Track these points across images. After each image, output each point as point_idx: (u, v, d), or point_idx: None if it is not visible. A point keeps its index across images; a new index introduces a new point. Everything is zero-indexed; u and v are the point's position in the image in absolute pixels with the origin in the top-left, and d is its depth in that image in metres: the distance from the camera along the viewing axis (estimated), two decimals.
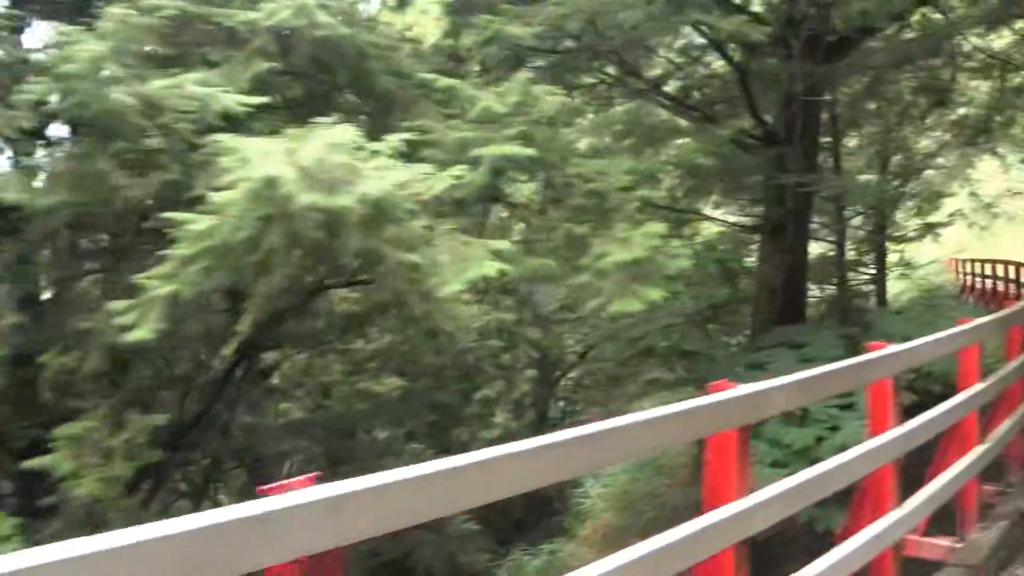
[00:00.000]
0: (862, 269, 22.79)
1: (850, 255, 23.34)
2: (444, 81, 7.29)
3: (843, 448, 6.01)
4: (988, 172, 38.93)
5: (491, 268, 5.23)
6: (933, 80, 15.93)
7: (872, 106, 19.89)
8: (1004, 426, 6.22)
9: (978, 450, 5.35)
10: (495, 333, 18.00)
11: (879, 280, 22.12)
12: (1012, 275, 20.13)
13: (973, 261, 25.01)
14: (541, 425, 19.70)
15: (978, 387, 5.26)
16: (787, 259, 11.09)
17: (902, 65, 12.34)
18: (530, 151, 6.13)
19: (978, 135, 16.11)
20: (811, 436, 6.58)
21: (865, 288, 22.23)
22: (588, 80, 11.99)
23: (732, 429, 2.87)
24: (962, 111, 17.18)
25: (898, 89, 17.84)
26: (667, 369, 9.71)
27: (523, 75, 7.42)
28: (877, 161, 20.96)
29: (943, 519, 5.75)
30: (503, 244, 5.70)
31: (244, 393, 12.43)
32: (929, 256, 35.91)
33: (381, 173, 5.14)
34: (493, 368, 15.69)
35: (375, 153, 5.50)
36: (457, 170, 5.79)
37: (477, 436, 17.27)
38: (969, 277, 25.11)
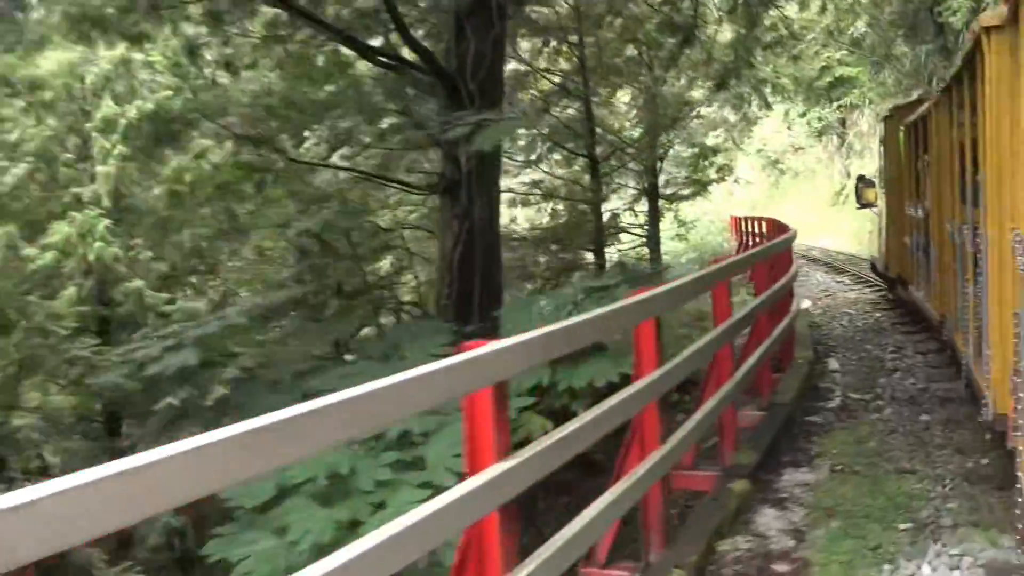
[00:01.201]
0: (638, 231, 21.29)
1: (627, 217, 21.74)
2: None
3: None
4: (774, 128, 39.30)
5: None
6: (676, 15, 14.12)
7: (632, 51, 18.08)
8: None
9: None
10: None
11: (653, 242, 20.62)
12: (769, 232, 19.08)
13: (748, 219, 24.14)
14: None
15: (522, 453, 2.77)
16: (464, 227, 8.58)
17: None
18: None
19: (727, 77, 14.41)
20: (330, 524, 4.02)
21: (639, 250, 20.73)
22: None
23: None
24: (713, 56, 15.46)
25: (647, 30, 15.97)
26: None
27: None
28: (647, 115, 19.20)
29: None
30: None
31: None
32: (717, 214, 35.68)
33: None
34: None
35: None
36: None
37: None
38: (746, 236, 24.24)
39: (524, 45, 17.36)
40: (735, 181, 22.53)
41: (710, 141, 21.27)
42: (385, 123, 9.48)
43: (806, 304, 14.21)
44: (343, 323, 8.28)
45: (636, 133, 19.88)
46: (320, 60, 9.62)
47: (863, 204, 12.92)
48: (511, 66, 16.83)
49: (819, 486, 5.42)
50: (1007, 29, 4.33)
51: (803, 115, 31.84)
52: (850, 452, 6.01)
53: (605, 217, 19.25)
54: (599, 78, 17.40)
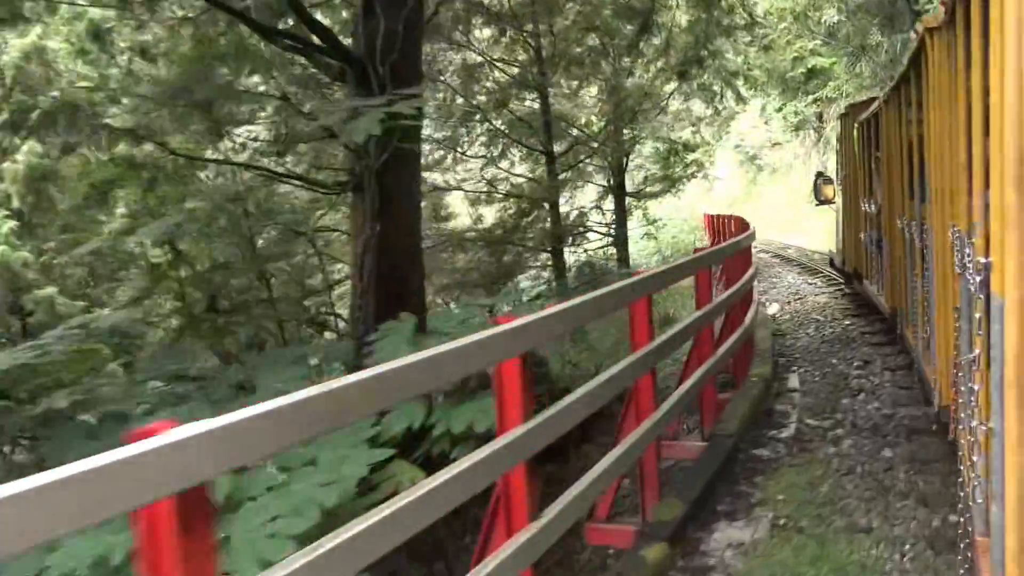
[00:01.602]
0: (603, 230, 20.33)
1: (593, 215, 20.71)
2: None
3: None
4: (751, 123, 38.40)
5: None
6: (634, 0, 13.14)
7: (593, 40, 17.04)
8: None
9: None
10: None
11: (620, 241, 19.67)
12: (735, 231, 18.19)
13: (719, 218, 23.26)
14: None
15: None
16: (375, 230, 7.55)
17: None
18: None
19: (687, 67, 13.46)
20: None
21: (605, 250, 19.78)
22: None
23: None
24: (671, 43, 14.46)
25: (605, 16, 14.96)
26: None
27: None
28: (610, 108, 18.18)
29: None
30: None
31: None
32: (693, 211, 34.74)
33: None
34: None
35: None
36: None
37: None
38: (716, 234, 23.34)
39: (478, 34, 16.39)
40: (704, 177, 21.58)
41: (684, 136, 20.30)
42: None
43: (774, 309, 13.30)
44: (225, 342, 7.24)
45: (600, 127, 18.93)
46: (225, 43, 8.58)
47: (821, 200, 12.90)
48: (460, 56, 15.83)
49: (755, 548, 4.45)
50: (944, 31, 4.34)
51: (779, 109, 30.99)
52: (797, 499, 5.06)
53: (572, 216, 18.31)
54: (559, 69, 16.40)
